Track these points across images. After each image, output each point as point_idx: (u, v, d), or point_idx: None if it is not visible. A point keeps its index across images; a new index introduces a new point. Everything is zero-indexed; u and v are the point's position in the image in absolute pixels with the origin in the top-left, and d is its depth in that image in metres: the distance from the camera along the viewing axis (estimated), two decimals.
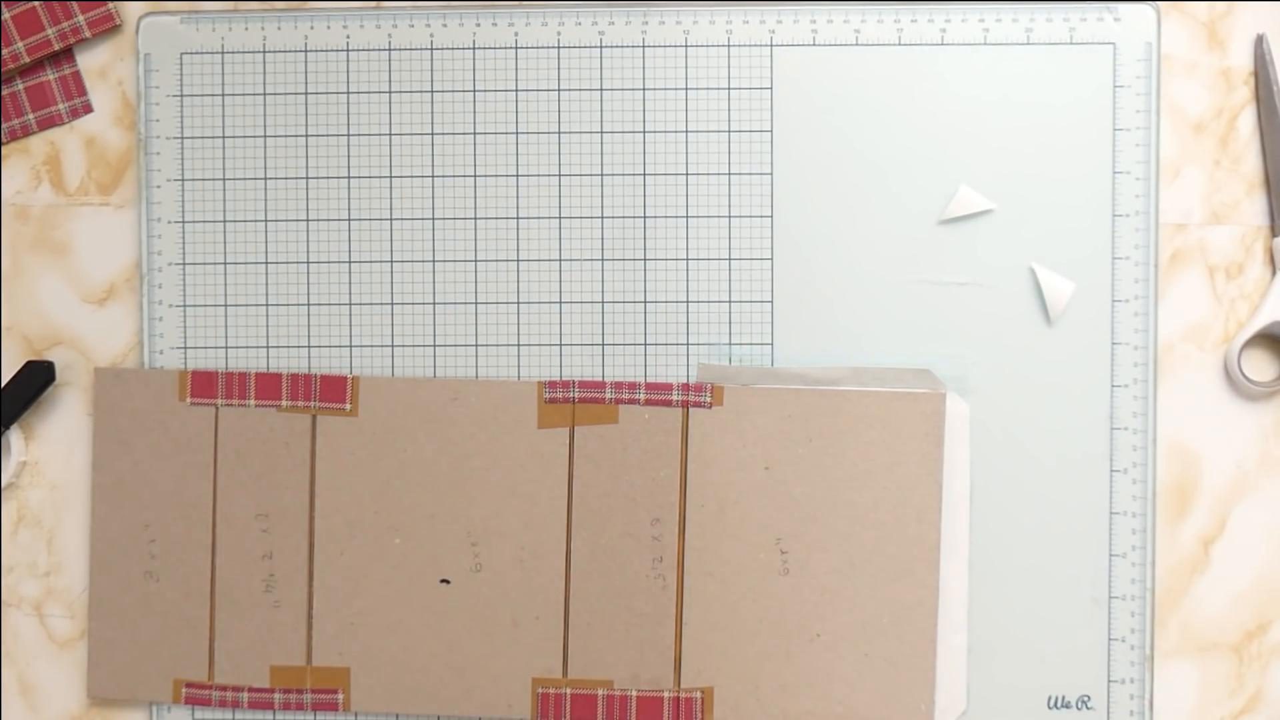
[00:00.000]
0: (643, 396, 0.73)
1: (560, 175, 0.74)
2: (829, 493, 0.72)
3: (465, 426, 0.73)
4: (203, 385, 0.74)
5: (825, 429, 0.72)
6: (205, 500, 0.74)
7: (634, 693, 0.73)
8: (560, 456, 0.73)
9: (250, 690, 0.74)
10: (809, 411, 0.72)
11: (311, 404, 0.73)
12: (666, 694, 0.73)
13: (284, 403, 0.74)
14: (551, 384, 0.73)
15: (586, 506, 0.73)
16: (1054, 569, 0.72)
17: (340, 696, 0.74)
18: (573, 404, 0.73)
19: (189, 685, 0.74)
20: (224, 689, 0.74)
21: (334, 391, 0.73)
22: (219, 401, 0.74)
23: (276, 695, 0.74)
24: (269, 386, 0.74)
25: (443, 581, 0.73)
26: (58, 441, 0.76)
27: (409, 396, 0.73)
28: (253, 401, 0.74)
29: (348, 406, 0.73)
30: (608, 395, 0.73)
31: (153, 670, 0.74)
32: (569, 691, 0.73)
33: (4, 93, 0.76)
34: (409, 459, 0.73)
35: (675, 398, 0.73)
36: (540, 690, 0.73)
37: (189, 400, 0.74)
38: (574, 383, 0.73)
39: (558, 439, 0.73)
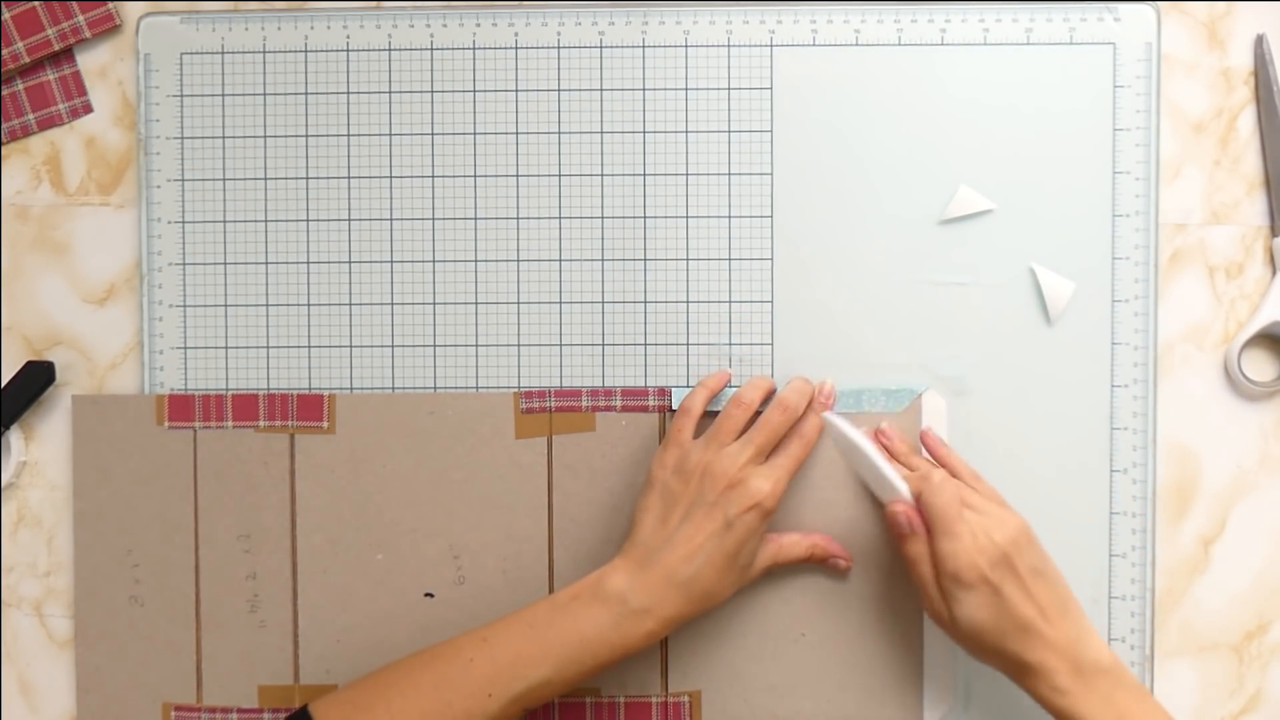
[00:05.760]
0: (619, 403, 0.73)
1: (560, 175, 0.74)
2: (809, 491, 0.72)
3: (443, 440, 0.73)
4: (180, 408, 0.74)
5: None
6: (187, 523, 0.74)
7: (622, 699, 0.73)
8: (539, 466, 0.73)
9: (239, 711, 0.74)
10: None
11: (289, 423, 0.73)
12: (654, 699, 0.73)
13: (261, 423, 0.74)
14: (528, 394, 0.73)
15: (567, 515, 0.73)
16: None
17: None
18: (549, 413, 0.73)
19: (178, 708, 0.74)
20: (213, 711, 0.74)
21: (311, 410, 0.73)
22: (196, 424, 0.74)
23: (265, 715, 0.74)
24: (246, 407, 0.73)
25: (426, 595, 0.73)
26: (58, 441, 0.76)
27: (386, 412, 0.73)
28: (230, 423, 0.74)
29: (325, 424, 0.73)
30: (584, 403, 0.73)
31: (141, 695, 0.74)
32: (557, 700, 0.73)
33: (4, 93, 0.76)
34: (388, 474, 0.73)
35: (651, 403, 0.73)
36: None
37: (167, 424, 0.74)
38: (550, 392, 0.73)
39: (536, 449, 0.73)
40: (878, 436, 0.71)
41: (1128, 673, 0.63)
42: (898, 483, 0.66)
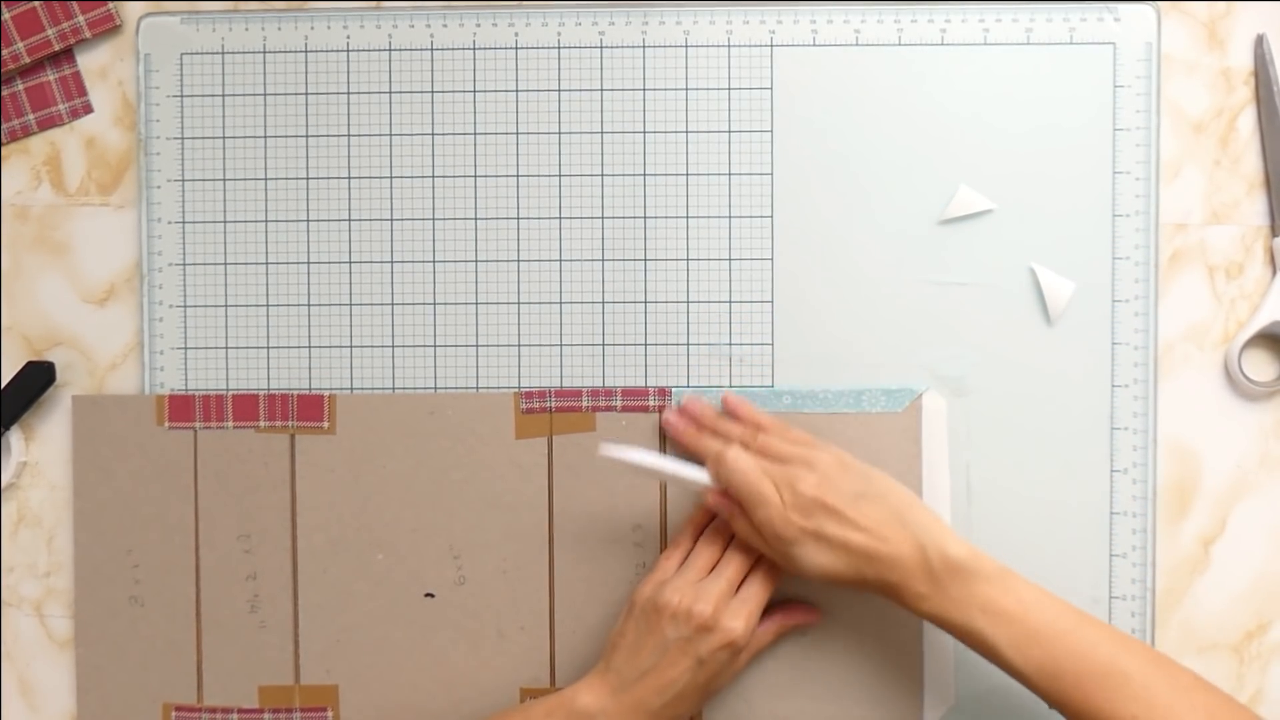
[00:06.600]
0: (619, 403, 0.73)
1: (560, 175, 0.74)
2: None
3: (443, 440, 0.73)
4: (180, 409, 0.74)
5: (804, 429, 0.72)
6: (187, 523, 0.74)
7: None
8: (539, 466, 0.73)
9: (240, 711, 0.74)
10: (787, 417, 0.72)
11: (289, 423, 0.73)
12: None
13: (262, 423, 0.74)
14: (528, 394, 0.73)
15: (567, 515, 0.73)
16: (1054, 569, 0.72)
17: (329, 715, 0.74)
18: (550, 413, 0.73)
19: (178, 709, 0.74)
20: (213, 711, 0.74)
21: (311, 410, 0.73)
22: (197, 425, 0.74)
23: (266, 716, 0.74)
24: (246, 407, 0.73)
25: (427, 595, 0.73)
26: (58, 441, 0.76)
27: (386, 412, 0.73)
28: (230, 423, 0.74)
29: (325, 424, 0.73)
30: (584, 403, 0.73)
31: (142, 695, 0.74)
32: None
33: (4, 93, 0.76)
34: (389, 474, 0.73)
35: (651, 403, 0.73)
36: (529, 700, 0.73)
37: (167, 424, 0.74)
38: (550, 392, 0.73)
39: (536, 449, 0.73)
40: (681, 416, 0.71)
41: (986, 560, 0.63)
42: (699, 477, 0.68)
